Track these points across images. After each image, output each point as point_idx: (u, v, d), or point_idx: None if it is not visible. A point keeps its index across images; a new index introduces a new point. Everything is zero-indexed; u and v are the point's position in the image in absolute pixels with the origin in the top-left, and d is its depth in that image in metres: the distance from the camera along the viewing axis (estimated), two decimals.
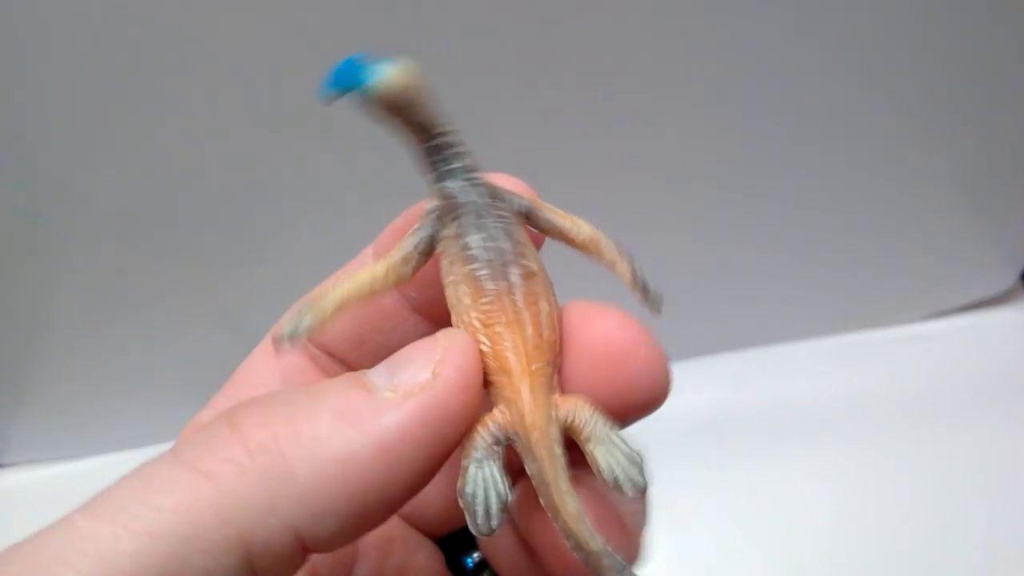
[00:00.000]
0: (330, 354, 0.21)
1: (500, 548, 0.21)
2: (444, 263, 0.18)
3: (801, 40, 0.40)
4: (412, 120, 0.18)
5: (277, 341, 0.18)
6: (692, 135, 0.43)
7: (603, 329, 0.18)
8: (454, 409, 0.16)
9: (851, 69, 0.42)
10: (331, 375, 0.21)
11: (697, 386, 0.49)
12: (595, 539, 0.16)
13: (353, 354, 0.21)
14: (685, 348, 0.51)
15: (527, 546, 0.19)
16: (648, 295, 0.19)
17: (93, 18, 0.34)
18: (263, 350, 0.22)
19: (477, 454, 0.17)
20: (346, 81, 0.17)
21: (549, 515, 0.17)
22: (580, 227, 0.19)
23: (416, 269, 0.18)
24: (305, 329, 0.18)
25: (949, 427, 0.49)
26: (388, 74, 0.17)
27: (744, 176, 0.45)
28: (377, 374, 0.16)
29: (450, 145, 0.18)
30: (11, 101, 0.36)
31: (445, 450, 0.16)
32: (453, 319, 0.18)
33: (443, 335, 0.17)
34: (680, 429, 0.49)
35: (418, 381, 0.16)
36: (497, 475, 0.17)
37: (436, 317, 0.20)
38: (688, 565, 0.45)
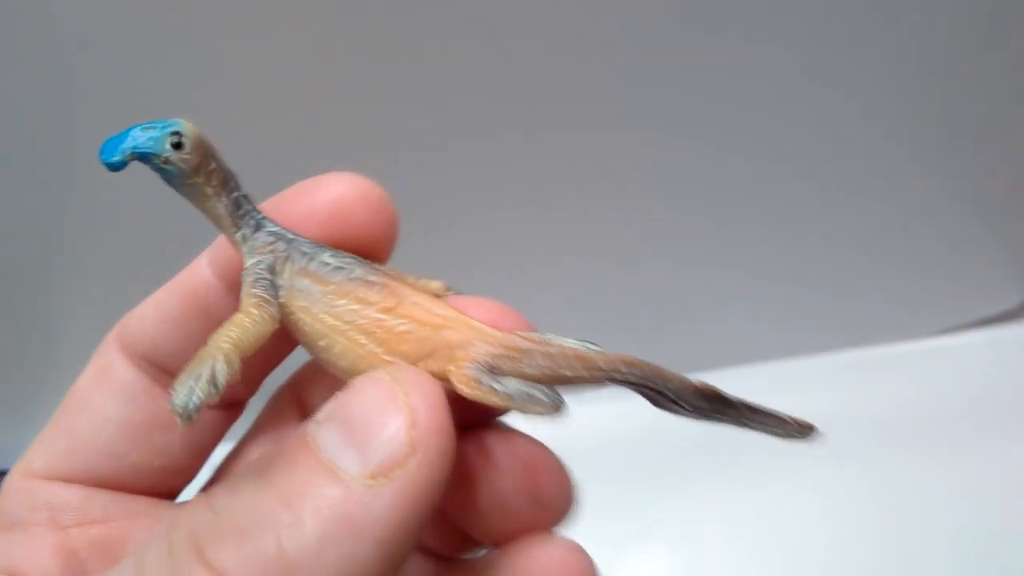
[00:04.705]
0: (166, 371, 0.20)
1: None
2: (298, 303, 0.18)
3: (810, 56, 0.40)
4: (216, 170, 0.18)
5: (185, 412, 0.15)
6: (706, 150, 0.43)
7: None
8: (440, 477, 0.15)
9: (863, 85, 0.42)
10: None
11: None
12: (617, 356, 0.17)
13: None
14: (695, 362, 0.51)
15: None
16: None
17: (104, 25, 0.34)
18: (95, 371, 0.20)
19: (498, 386, 0.17)
20: (145, 139, 0.16)
21: (585, 375, 0.17)
22: None
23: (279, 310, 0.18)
24: (220, 383, 0.15)
25: (959, 442, 0.49)
26: (186, 123, 0.17)
27: (755, 194, 0.45)
28: (339, 450, 0.15)
29: (247, 197, 0.18)
30: (30, 110, 0.36)
31: (434, 509, 0.15)
32: (342, 344, 0.17)
33: (394, 381, 0.16)
34: (688, 444, 0.49)
35: (396, 456, 0.15)
36: (518, 381, 0.17)
37: (281, 331, 0.19)
38: None
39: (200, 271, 0.20)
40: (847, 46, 0.40)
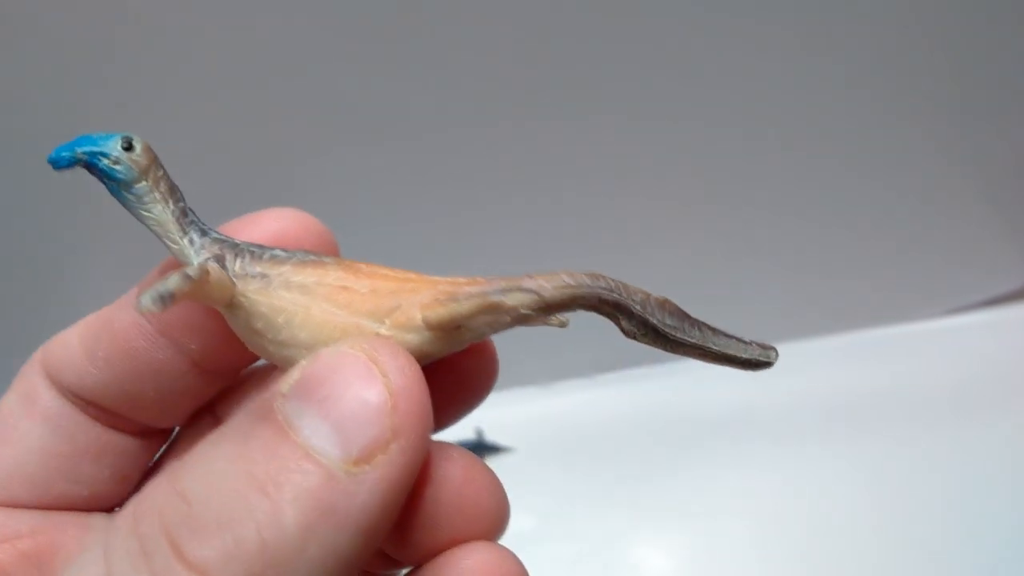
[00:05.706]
0: (97, 406, 0.19)
1: None
2: (252, 287, 0.17)
3: (817, 37, 0.40)
4: (164, 177, 0.18)
5: (157, 296, 0.14)
6: (711, 134, 0.43)
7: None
8: (420, 459, 0.15)
9: (870, 68, 0.42)
10: (103, 422, 0.20)
11: (717, 383, 0.49)
12: (582, 272, 0.16)
13: (126, 407, 0.19)
14: None
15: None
16: None
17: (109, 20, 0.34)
18: (18, 397, 0.19)
19: (472, 291, 0.16)
20: (96, 139, 0.17)
21: (554, 293, 0.16)
22: None
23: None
24: (194, 276, 0.15)
25: (969, 420, 0.49)
26: (135, 136, 0.17)
27: (767, 175, 0.46)
28: (316, 431, 0.14)
29: (192, 210, 0.18)
30: (35, 103, 0.36)
31: (410, 491, 0.15)
32: (302, 315, 0.17)
33: (370, 358, 0.15)
34: (700, 426, 0.49)
35: (378, 441, 0.14)
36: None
37: (216, 369, 0.19)
38: (703, 562, 0.45)
39: (131, 306, 0.19)
40: (858, 27, 0.40)
